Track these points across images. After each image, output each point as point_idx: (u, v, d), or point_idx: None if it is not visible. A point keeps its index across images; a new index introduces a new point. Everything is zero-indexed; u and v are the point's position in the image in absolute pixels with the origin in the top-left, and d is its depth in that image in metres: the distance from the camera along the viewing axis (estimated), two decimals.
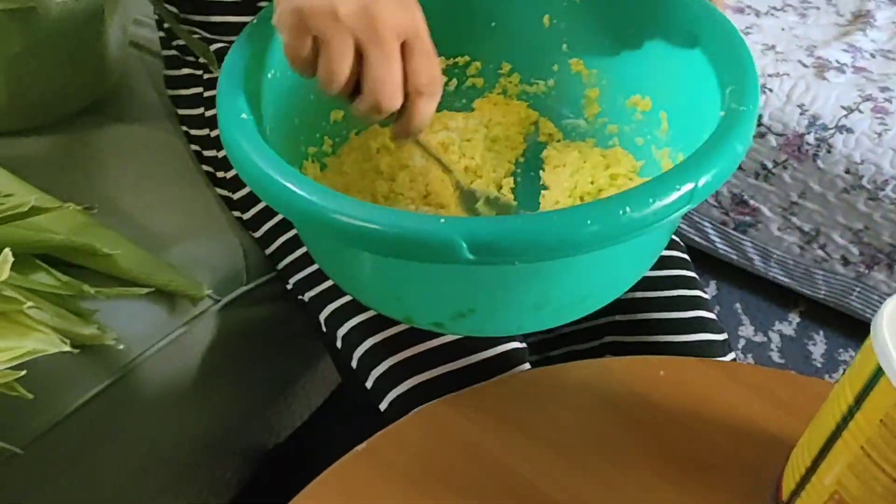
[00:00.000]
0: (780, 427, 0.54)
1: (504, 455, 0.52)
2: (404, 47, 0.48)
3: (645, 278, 0.72)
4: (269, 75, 0.57)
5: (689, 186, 0.44)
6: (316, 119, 0.66)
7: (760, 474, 0.52)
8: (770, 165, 1.45)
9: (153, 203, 0.74)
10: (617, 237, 0.43)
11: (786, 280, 1.56)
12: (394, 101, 0.48)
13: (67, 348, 0.51)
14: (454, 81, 0.71)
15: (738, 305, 1.58)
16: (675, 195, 0.43)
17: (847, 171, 1.39)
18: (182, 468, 0.76)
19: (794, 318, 1.57)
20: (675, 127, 0.63)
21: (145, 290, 0.63)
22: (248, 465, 0.86)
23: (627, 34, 0.65)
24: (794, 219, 1.49)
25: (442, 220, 0.43)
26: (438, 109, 0.54)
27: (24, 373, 0.49)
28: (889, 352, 0.41)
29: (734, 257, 1.58)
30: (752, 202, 1.51)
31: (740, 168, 1.47)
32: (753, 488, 0.52)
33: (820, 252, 1.50)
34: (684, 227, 1.59)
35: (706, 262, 1.62)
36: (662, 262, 0.74)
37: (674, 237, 0.77)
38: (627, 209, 0.42)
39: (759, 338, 1.53)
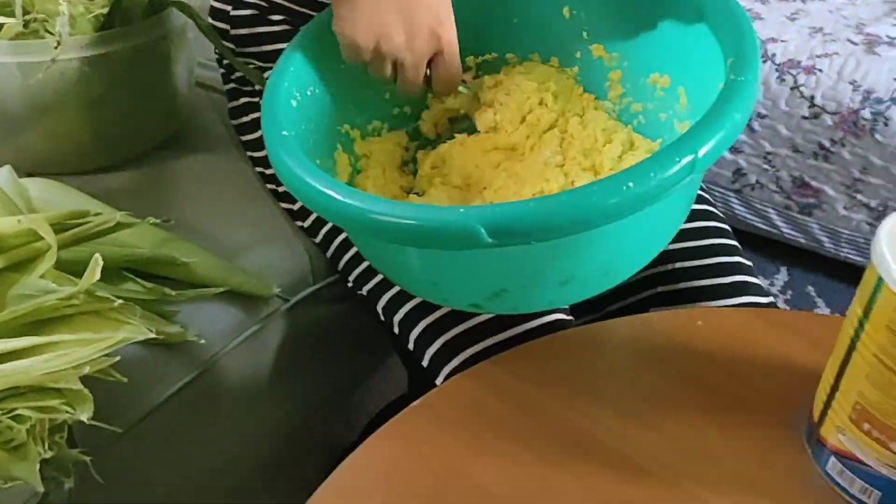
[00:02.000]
0: (815, 363, 0.56)
1: (552, 405, 0.56)
2: (433, 59, 0.66)
3: (684, 249, 0.75)
4: (308, 92, 0.64)
5: (689, 158, 0.46)
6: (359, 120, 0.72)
7: (797, 407, 0.54)
8: (828, 144, 1.45)
9: (225, 220, 0.82)
10: (623, 212, 0.47)
11: (860, 259, 1.54)
12: (413, 96, 0.68)
13: (153, 335, 0.58)
14: (485, 73, 0.76)
15: (810, 289, 1.57)
16: (676, 168, 0.46)
17: None
18: (264, 466, 0.82)
19: None
20: (693, 101, 0.66)
21: (220, 290, 0.70)
22: (328, 464, 0.91)
23: (641, 17, 0.69)
24: (859, 196, 1.48)
25: (461, 210, 0.47)
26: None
27: (118, 359, 0.56)
28: (888, 262, 0.44)
29: (802, 241, 1.58)
30: (813, 183, 1.51)
31: (797, 150, 1.48)
32: (791, 419, 0.54)
33: None
34: (748, 215, 1.59)
35: (774, 248, 1.61)
36: (701, 233, 0.77)
37: (712, 209, 0.80)
38: (630, 184, 0.46)
39: None
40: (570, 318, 0.70)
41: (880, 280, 0.44)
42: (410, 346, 0.71)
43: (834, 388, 0.49)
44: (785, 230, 1.58)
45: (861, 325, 0.46)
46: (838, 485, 0.50)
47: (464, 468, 0.52)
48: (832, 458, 0.50)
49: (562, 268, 0.55)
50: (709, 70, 0.60)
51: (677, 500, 0.50)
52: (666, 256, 0.75)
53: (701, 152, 0.47)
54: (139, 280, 0.68)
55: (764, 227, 1.59)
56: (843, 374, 0.48)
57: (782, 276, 1.60)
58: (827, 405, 0.50)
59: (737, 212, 1.60)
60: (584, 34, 0.73)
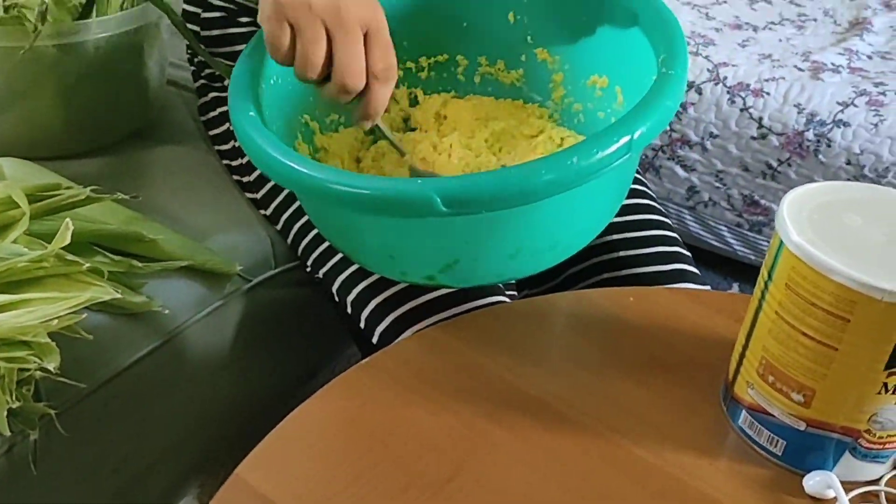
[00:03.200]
0: (735, 335, 0.61)
1: (491, 366, 0.60)
2: (366, 37, 0.57)
3: (627, 239, 0.80)
4: (272, 82, 0.68)
5: (626, 139, 0.52)
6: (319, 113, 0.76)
7: (717, 372, 0.59)
8: (775, 164, 1.52)
9: (191, 206, 0.86)
10: (568, 184, 0.52)
11: None
12: (358, 82, 0.57)
13: (119, 295, 0.62)
14: (437, 74, 0.81)
15: None
16: (615, 146, 0.52)
17: (848, 163, 1.46)
18: (224, 438, 0.85)
19: None
20: (629, 99, 0.72)
21: (184, 263, 0.74)
22: None
23: (581, 22, 0.74)
24: None
25: (419, 181, 0.52)
26: None
27: (84, 316, 0.60)
28: (787, 227, 0.49)
29: (753, 258, 1.64)
30: (762, 201, 1.57)
31: (747, 169, 1.55)
32: (710, 382, 0.59)
33: None
34: (702, 232, 1.66)
35: (726, 265, 1.68)
36: (643, 224, 0.82)
37: (655, 203, 0.85)
38: (575, 159, 0.51)
39: None
40: (510, 302, 0.75)
41: (781, 243, 0.49)
42: (361, 324, 0.75)
43: (745, 347, 0.54)
44: (737, 247, 1.64)
45: (766, 286, 0.51)
46: (749, 437, 0.55)
47: (406, 418, 0.55)
48: (743, 412, 0.55)
49: (511, 240, 0.60)
50: (642, 70, 0.66)
51: (603, 449, 0.54)
52: (611, 245, 0.80)
53: (636, 134, 0.53)
54: (107, 253, 0.71)
55: (717, 244, 1.66)
56: (752, 333, 0.53)
57: (734, 291, 1.66)
58: (739, 363, 0.55)
59: (691, 229, 1.66)
60: (529, 38, 0.78)
